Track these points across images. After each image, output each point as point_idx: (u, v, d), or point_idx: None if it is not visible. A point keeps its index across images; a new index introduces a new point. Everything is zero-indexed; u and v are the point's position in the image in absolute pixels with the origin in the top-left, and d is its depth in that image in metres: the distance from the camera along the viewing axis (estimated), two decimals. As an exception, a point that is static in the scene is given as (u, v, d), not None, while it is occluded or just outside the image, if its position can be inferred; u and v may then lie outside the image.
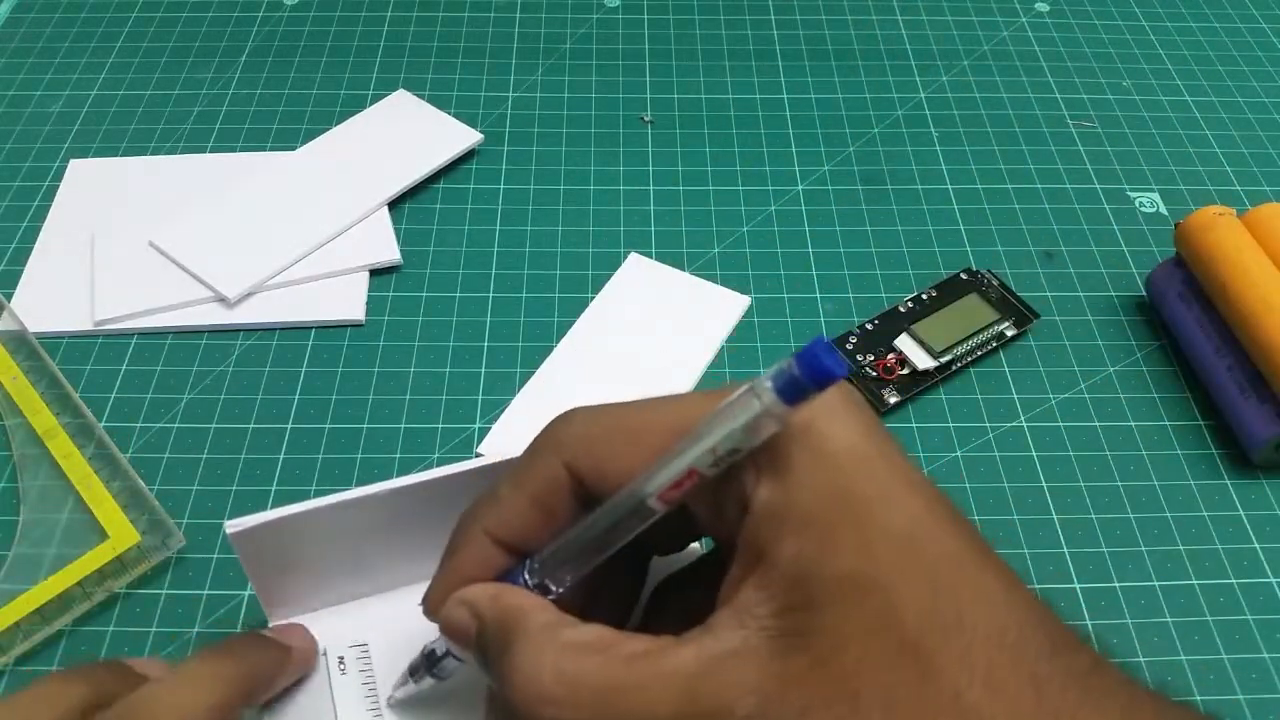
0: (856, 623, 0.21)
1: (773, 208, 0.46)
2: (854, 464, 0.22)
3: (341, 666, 0.30)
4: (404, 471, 0.35)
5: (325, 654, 0.30)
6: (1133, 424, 0.38)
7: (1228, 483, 0.36)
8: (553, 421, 0.25)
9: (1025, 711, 0.21)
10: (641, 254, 0.43)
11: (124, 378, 0.39)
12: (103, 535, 0.34)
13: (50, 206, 0.45)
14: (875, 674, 0.21)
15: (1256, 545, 0.35)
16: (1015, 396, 0.39)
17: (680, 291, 0.42)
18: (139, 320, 0.40)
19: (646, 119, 0.50)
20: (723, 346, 0.40)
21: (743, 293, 0.42)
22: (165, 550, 0.34)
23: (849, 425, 0.22)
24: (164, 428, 0.37)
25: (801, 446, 0.22)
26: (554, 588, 0.24)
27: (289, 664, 0.28)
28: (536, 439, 0.25)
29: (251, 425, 0.37)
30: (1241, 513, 0.36)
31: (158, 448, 0.37)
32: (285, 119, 0.49)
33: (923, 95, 0.51)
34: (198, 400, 0.38)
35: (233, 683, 0.26)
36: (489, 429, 0.37)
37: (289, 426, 0.37)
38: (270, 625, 0.30)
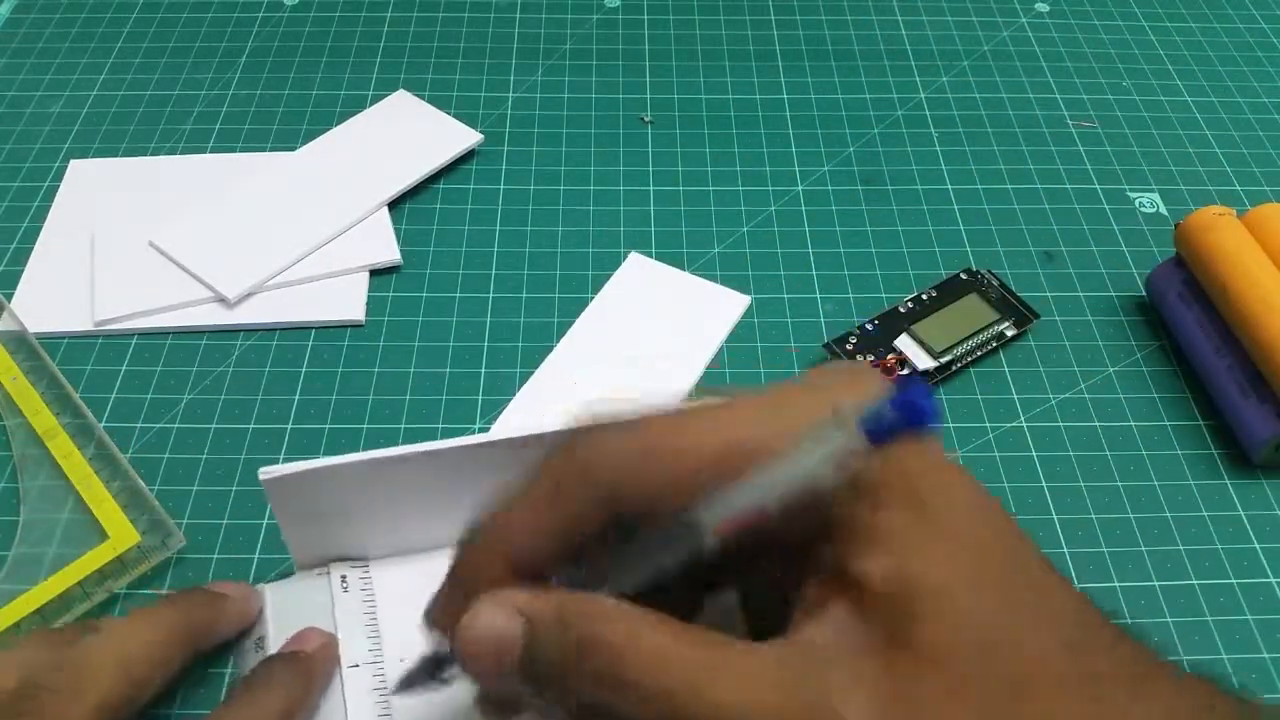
0: (962, 637, 0.20)
1: (773, 208, 0.46)
2: (944, 480, 0.21)
3: (344, 585, 0.31)
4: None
5: (329, 573, 0.31)
6: (1133, 424, 0.38)
7: (1228, 483, 0.36)
8: (579, 439, 0.22)
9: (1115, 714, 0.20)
10: (642, 254, 0.43)
11: (124, 378, 0.39)
12: (103, 535, 0.34)
13: (50, 206, 0.45)
14: (973, 689, 0.19)
15: (1256, 545, 0.35)
16: (1015, 396, 0.39)
17: (680, 291, 0.42)
18: (139, 320, 0.40)
19: (646, 119, 0.50)
20: (723, 346, 0.40)
21: (743, 293, 0.42)
22: (165, 550, 0.34)
23: (935, 448, 0.21)
24: (164, 428, 0.37)
25: (893, 460, 0.20)
26: None
27: (226, 613, 0.30)
28: (561, 460, 0.22)
29: (251, 425, 0.37)
30: (1241, 513, 0.36)
31: (158, 448, 0.37)
32: (285, 119, 0.49)
33: (923, 95, 0.51)
34: (198, 400, 0.38)
35: (170, 628, 0.28)
36: (488, 429, 0.37)
37: (289, 427, 0.37)
38: (210, 582, 0.31)
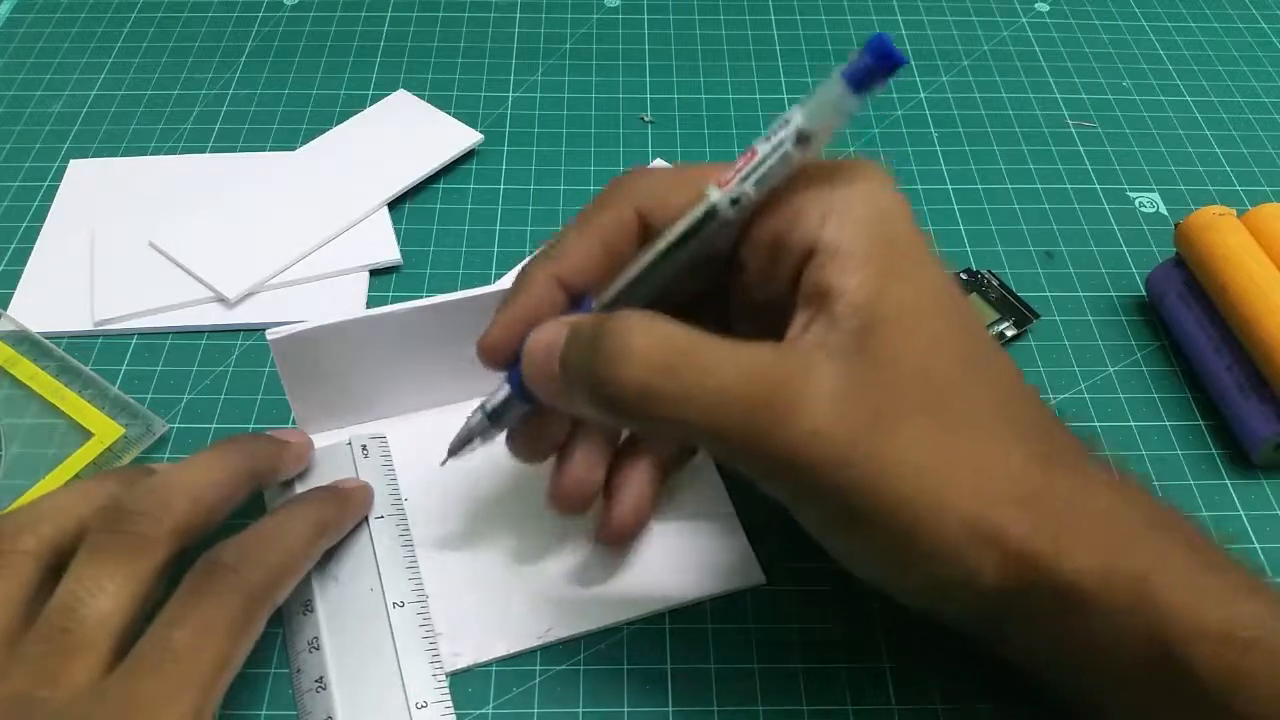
0: (916, 342, 0.25)
1: (773, 208, 0.46)
2: (901, 219, 0.26)
3: (364, 451, 0.34)
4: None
5: (350, 443, 0.34)
6: (1133, 424, 0.38)
7: (1228, 483, 0.36)
8: (617, 178, 0.28)
9: (1036, 452, 0.25)
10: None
11: (124, 378, 0.39)
12: (86, 434, 0.36)
13: (50, 206, 0.45)
14: (931, 390, 0.25)
15: (1256, 545, 0.35)
16: (1015, 396, 0.39)
17: None
18: (139, 320, 0.40)
19: (646, 119, 0.50)
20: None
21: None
22: (151, 435, 0.36)
23: (892, 189, 0.26)
24: (166, 429, 0.37)
25: (861, 198, 0.25)
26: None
27: (286, 456, 0.33)
28: (603, 192, 0.27)
29: (251, 425, 0.37)
30: (1241, 513, 0.36)
31: (159, 449, 0.37)
32: (285, 119, 0.49)
33: (923, 95, 0.51)
34: (198, 400, 0.38)
35: (235, 466, 0.30)
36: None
37: (290, 427, 0.37)
38: (270, 429, 0.34)
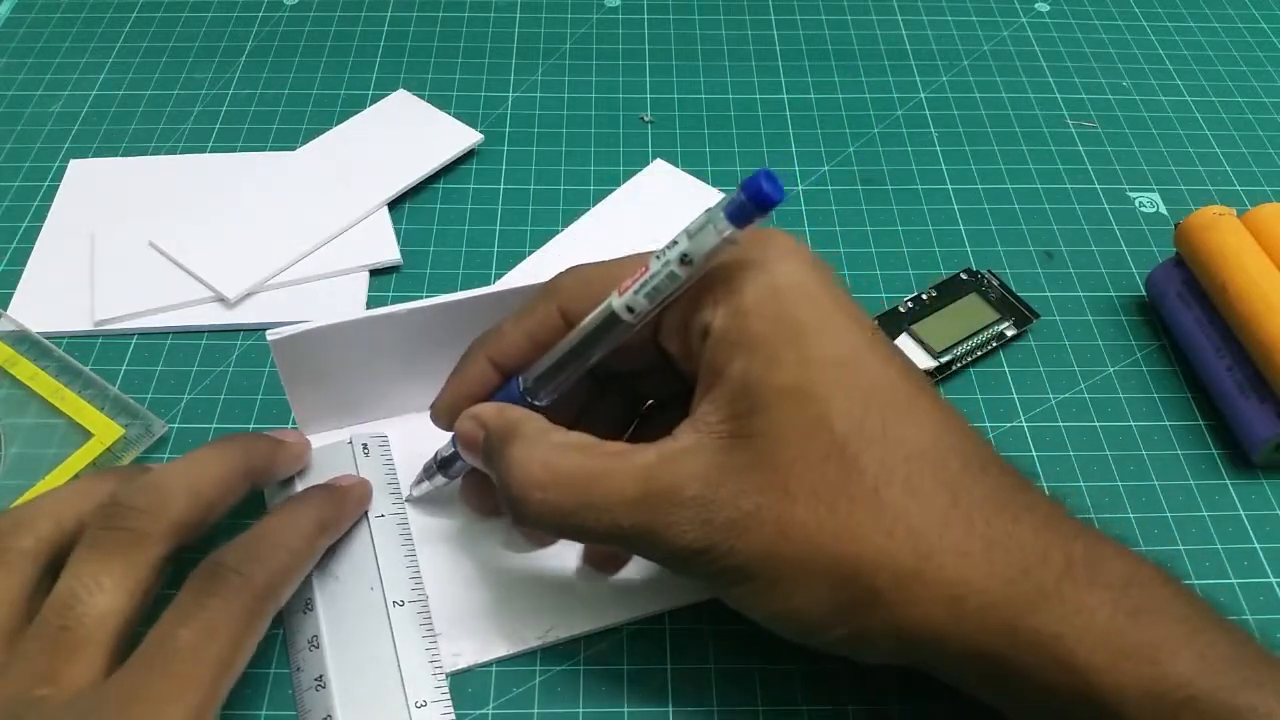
0: (792, 428, 0.25)
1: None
2: (799, 297, 0.26)
3: (365, 450, 0.34)
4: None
5: (351, 442, 0.34)
6: (1133, 424, 0.38)
7: (1228, 483, 0.36)
8: (562, 272, 0.30)
9: (938, 511, 0.24)
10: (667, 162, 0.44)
11: (124, 378, 0.39)
12: (86, 434, 0.36)
13: (50, 206, 0.45)
14: (805, 470, 0.25)
15: (1256, 545, 0.35)
16: (1015, 396, 0.39)
17: (695, 199, 0.44)
18: (139, 320, 0.40)
19: (646, 119, 0.50)
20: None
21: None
22: (150, 436, 0.36)
23: (798, 265, 0.27)
24: (165, 429, 0.37)
25: (754, 281, 0.26)
26: (542, 401, 0.29)
27: (283, 455, 0.33)
28: (546, 285, 0.30)
29: (251, 425, 0.37)
30: (1241, 513, 0.36)
31: (159, 449, 0.37)
32: (285, 119, 0.49)
33: (923, 95, 0.51)
34: (198, 400, 0.38)
35: (232, 463, 0.30)
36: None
37: (289, 428, 0.37)
38: (269, 429, 0.35)
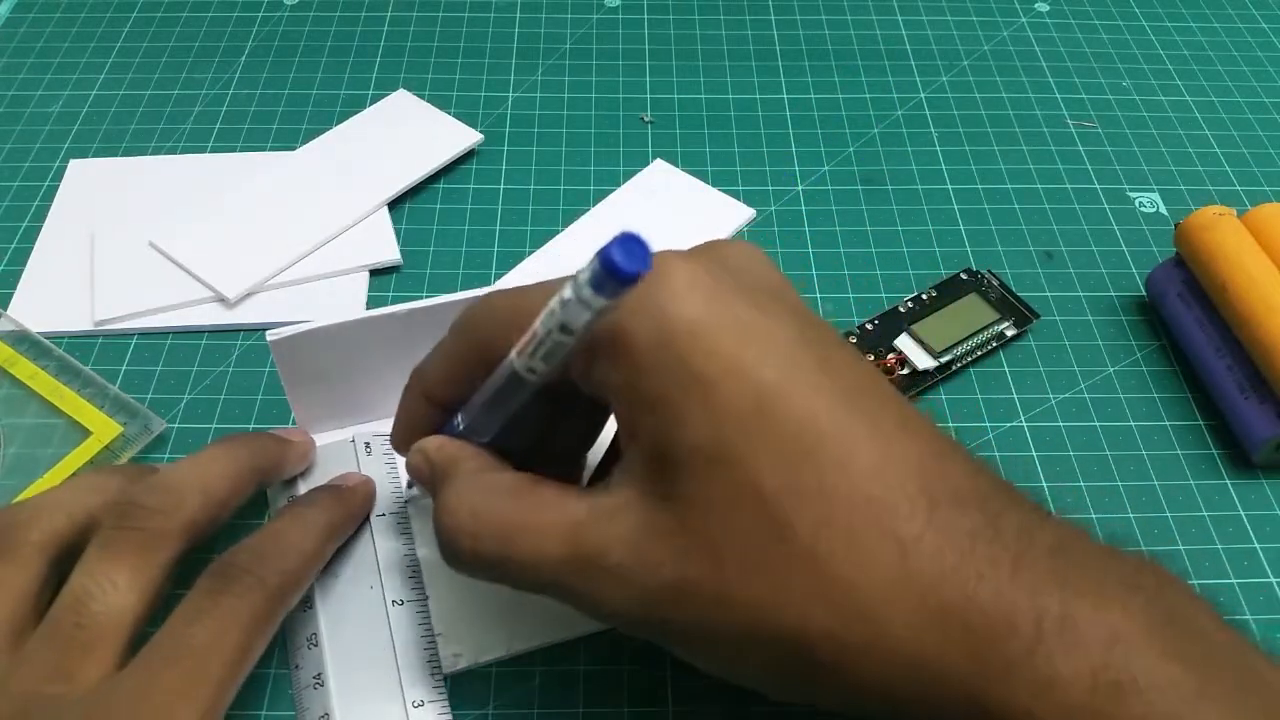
0: (716, 491, 0.22)
1: (773, 208, 0.46)
2: (694, 344, 0.23)
3: (367, 449, 0.35)
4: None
5: (354, 440, 0.35)
6: (1133, 424, 0.38)
7: (1228, 483, 0.36)
8: (473, 303, 0.28)
9: (885, 572, 0.22)
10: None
11: (124, 378, 0.39)
12: (85, 433, 0.36)
13: (50, 206, 0.45)
14: (735, 538, 0.22)
15: (1256, 545, 0.35)
16: (1015, 396, 0.39)
17: (695, 199, 0.45)
18: (139, 320, 0.40)
19: (646, 119, 0.50)
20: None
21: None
22: (149, 434, 0.36)
23: (692, 302, 0.23)
24: (164, 428, 0.37)
25: (644, 330, 0.23)
26: (484, 438, 0.28)
27: (290, 454, 0.33)
28: (458, 319, 0.28)
29: (251, 425, 0.37)
30: (1241, 513, 0.36)
31: (158, 448, 0.37)
32: (285, 119, 0.49)
33: (923, 95, 0.51)
34: (198, 400, 0.38)
35: (241, 462, 0.30)
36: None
37: (291, 427, 0.37)
38: (274, 428, 0.35)
